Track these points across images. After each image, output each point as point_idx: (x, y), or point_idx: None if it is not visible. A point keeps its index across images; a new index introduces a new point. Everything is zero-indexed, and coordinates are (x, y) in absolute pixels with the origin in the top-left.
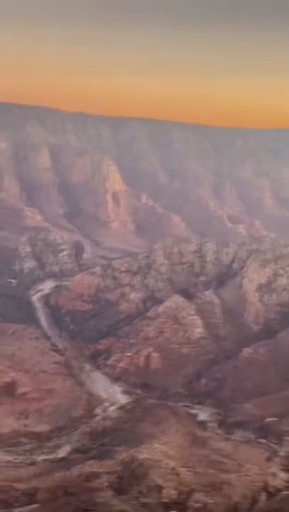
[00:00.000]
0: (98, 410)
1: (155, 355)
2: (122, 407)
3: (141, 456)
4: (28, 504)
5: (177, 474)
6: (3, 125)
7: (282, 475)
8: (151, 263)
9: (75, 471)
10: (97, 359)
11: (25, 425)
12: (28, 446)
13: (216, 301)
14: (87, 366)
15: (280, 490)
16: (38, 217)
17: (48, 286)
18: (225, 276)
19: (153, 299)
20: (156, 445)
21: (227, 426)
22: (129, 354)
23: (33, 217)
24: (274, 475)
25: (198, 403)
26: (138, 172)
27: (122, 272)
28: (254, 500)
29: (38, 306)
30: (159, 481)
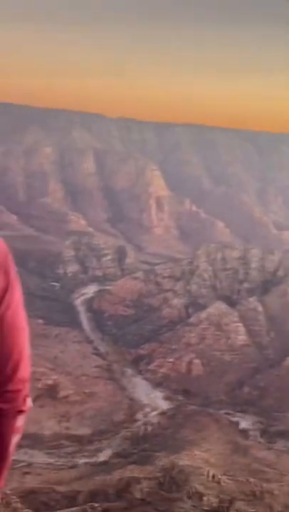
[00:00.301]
0: (139, 415)
1: (197, 361)
2: (163, 413)
3: (181, 463)
4: (68, 507)
5: (218, 482)
6: (49, 130)
7: None
8: (195, 269)
9: (116, 475)
10: (138, 364)
11: (67, 428)
12: (69, 449)
13: (260, 308)
14: (129, 371)
15: None
16: (82, 222)
17: (91, 290)
18: (269, 284)
19: (196, 305)
20: (197, 452)
21: (269, 435)
22: (170, 360)
23: (77, 222)
24: None
25: (241, 411)
26: (182, 177)
27: (164, 277)
28: None
29: (81, 309)
30: (200, 489)
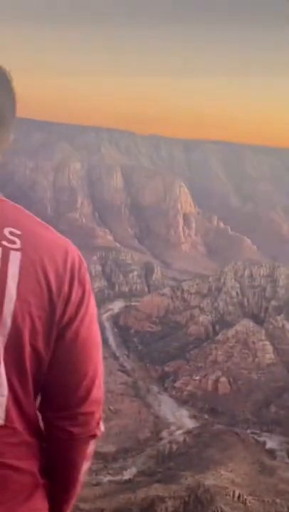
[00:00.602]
0: (165, 433)
1: (224, 379)
2: (188, 432)
3: (207, 482)
4: None
5: (244, 503)
6: (78, 147)
7: None
8: (222, 286)
9: (141, 493)
10: (164, 381)
11: None
12: (94, 467)
13: (288, 326)
14: (155, 388)
15: None
16: (109, 237)
17: (117, 306)
18: None
19: (222, 323)
20: (222, 472)
21: None
22: (197, 378)
23: (104, 237)
24: None
25: (267, 431)
26: (210, 194)
27: (191, 293)
28: None
29: (107, 325)
30: (226, 509)
